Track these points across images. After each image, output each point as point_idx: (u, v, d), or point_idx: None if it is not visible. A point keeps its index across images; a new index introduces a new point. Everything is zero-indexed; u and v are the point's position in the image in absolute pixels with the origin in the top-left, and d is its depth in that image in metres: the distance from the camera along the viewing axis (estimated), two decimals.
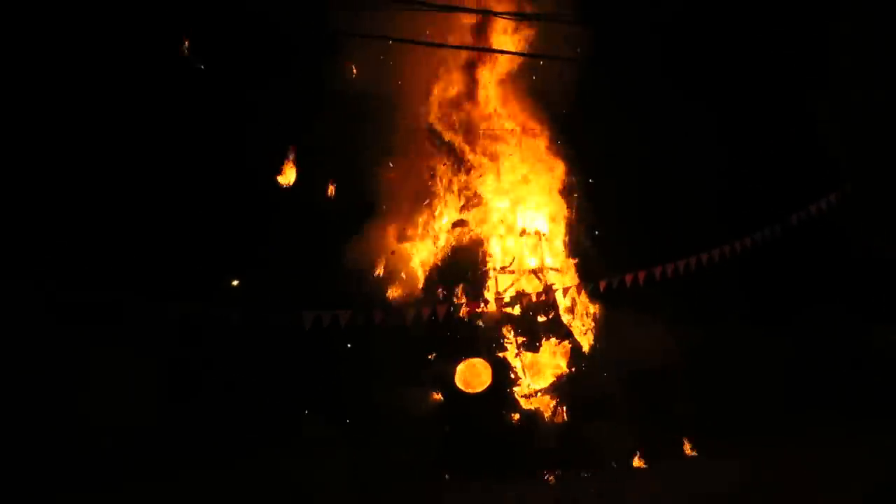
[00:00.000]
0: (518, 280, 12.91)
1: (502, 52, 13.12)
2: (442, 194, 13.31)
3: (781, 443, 12.93)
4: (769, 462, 11.44)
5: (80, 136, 14.65)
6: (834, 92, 13.30)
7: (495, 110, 13.50)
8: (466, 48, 12.88)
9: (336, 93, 13.48)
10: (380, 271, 13.29)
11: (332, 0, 11.70)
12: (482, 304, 12.09)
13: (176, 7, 13.43)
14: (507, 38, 13.47)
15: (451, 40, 12.52)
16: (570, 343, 12.74)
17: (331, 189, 13.56)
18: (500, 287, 12.72)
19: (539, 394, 12.38)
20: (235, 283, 15.96)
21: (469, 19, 12.93)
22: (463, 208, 13.29)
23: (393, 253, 13.22)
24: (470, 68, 13.65)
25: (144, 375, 15.13)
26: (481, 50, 13.08)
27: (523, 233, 13.39)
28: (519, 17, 12.75)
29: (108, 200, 14.89)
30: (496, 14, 12.33)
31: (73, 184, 14.48)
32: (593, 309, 13.20)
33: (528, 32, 13.33)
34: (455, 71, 13.64)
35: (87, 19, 13.69)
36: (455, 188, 13.30)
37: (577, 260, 13.43)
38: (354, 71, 13.33)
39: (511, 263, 12.96)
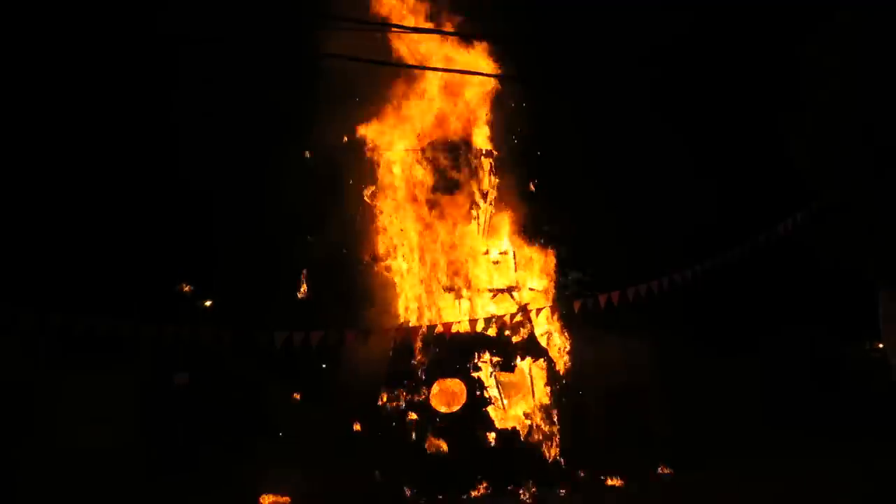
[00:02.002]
0: (493, 300, 13.00)
1: (480, 73, 13.25)
2: (417, 212, 13.42)
3: (755, 461, 13.04)
4: (743, 480, 11.53)
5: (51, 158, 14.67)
6: (800, 111, 13.51)
7: (467, 133, 13.67)
8: (446, 70, 13.00)
9: (313, 113, 13.63)
10: (353, 292, 13.36)
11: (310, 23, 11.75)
12: (457, 325, 12.08)
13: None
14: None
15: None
16: (545, 362, 12.80)
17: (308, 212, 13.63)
18: (475, 308, 12.78)
19: (514, 413, 12.43)
20: (208, 303, 16.02)
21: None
22: (438, 227, 13.34)
23: (368, 272, 13.32)
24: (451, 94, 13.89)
25: (120, 396, 15.11)
26: (461, 72, 13.20)
27: (500, 253, 13.50)
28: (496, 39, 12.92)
29: (73, 219, 14.89)
30: (474, 37, 12.48)
31: (39, 201, 14.49)
32: (569, 329, 13.29)
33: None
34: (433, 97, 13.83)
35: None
36: (429, 205, 13.39)
37: (552, 280, 13.53)
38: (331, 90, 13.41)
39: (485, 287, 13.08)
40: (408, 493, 11.63)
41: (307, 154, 13.60)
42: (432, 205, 13.31)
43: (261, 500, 11.80)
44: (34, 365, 14.18)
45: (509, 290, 13.10)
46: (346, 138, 13.45)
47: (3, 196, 14.17)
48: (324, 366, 12.98)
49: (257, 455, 13.59)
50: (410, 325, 12.43)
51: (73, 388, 14.47)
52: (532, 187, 13.75)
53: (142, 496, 13.10)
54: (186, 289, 15.66)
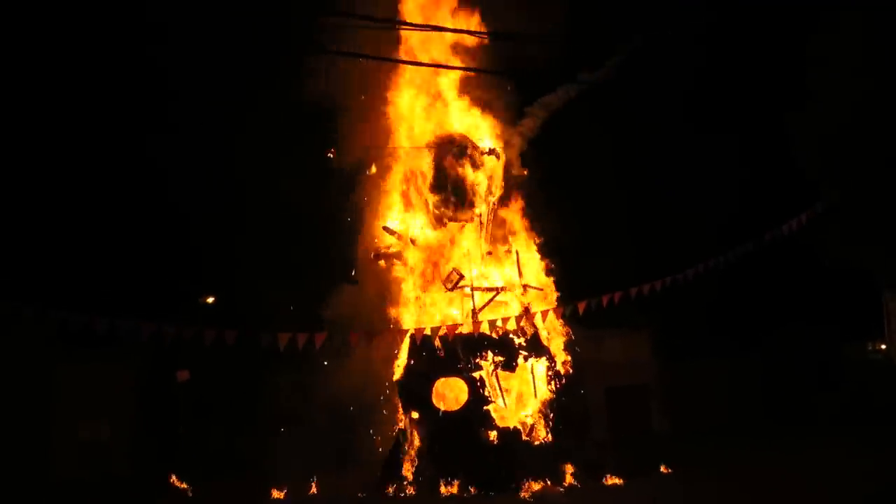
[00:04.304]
0: (495, 298, 12.95)
1: (487, 72, 13.18)
2: (415, 206, 13.37)
3: (756, 457, 13.08)
4: (741, 479, 11.53)
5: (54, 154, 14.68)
6: (806, 112, 13.46)
7: (472, 132, 13.60)
8: (449, 67, 12.94)
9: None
10: (355, 290, 13.34)
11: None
12: (461, 324, 12.03)
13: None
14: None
15: None
16: (547, 361, 12.76)
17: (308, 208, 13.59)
18: (476, 306, 12.73)
19: (515, 411, 12.42)
20: (211, 300, 16.02)
21: None
22: (440, 223, 13.28)
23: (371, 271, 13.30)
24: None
25: (118, 392, 15.16)
26: (465, 70, 13.14)
27: (504, 252, 13.45)
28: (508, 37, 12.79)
29: (80, 216, 14.90)
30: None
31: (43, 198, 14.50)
32: (570, 327, 13.26)
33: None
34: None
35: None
36: (430, 203, 13.32)
37: (554, 279, 13.49)
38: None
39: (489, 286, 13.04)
40: (410, 490, 11.64)
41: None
42: (436, 204, 13.25)
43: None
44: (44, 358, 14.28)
45: (511, 288, 13.04)
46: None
47: (17, 194, 14.23)
48: (325, 363, 12.96)
49: (260, 449, 13.67)
50: (414, 324, 12.37)
51: (78, 382, 14.61)
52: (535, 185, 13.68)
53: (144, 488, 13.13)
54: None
